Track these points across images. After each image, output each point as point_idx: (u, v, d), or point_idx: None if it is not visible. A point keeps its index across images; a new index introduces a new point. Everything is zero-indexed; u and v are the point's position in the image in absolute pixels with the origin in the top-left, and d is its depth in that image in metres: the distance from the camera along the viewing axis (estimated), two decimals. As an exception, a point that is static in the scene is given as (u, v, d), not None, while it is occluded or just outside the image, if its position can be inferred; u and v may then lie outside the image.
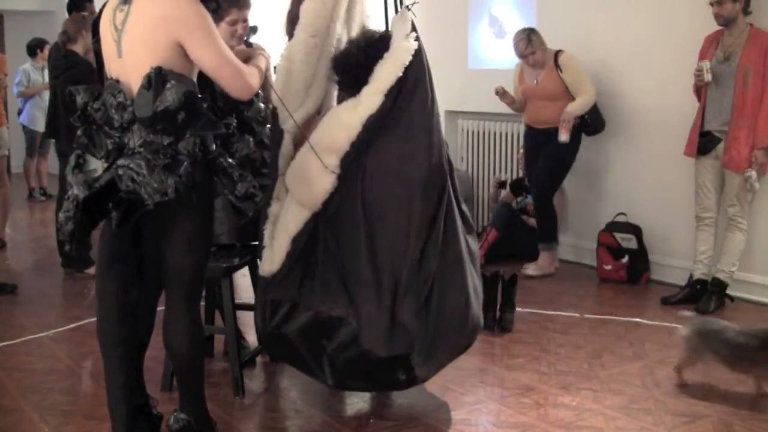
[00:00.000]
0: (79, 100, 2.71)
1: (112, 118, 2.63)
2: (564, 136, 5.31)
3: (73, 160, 2.71)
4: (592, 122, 5.44)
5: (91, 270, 5.66)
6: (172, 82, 2.54)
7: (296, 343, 3.14)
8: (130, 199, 2.58)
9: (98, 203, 2.64)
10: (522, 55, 5.49)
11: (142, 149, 2.57)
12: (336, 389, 3.48)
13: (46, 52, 7.95)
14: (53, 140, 6.06)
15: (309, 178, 3.08)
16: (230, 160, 2.73)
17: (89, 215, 2.67)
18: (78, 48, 5.59)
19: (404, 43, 3.11)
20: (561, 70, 5.39)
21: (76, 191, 2.63)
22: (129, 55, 2.65)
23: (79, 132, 2.73)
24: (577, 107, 5.31)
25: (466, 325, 3.16)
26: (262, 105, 3.01)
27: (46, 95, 7.09)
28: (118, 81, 2.68)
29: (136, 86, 2.60)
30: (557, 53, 5.42)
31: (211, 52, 2.61)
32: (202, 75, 2.76)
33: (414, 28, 3.16)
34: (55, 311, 4.99)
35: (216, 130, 2.67)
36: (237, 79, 2.67)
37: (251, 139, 2.87)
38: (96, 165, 2.68)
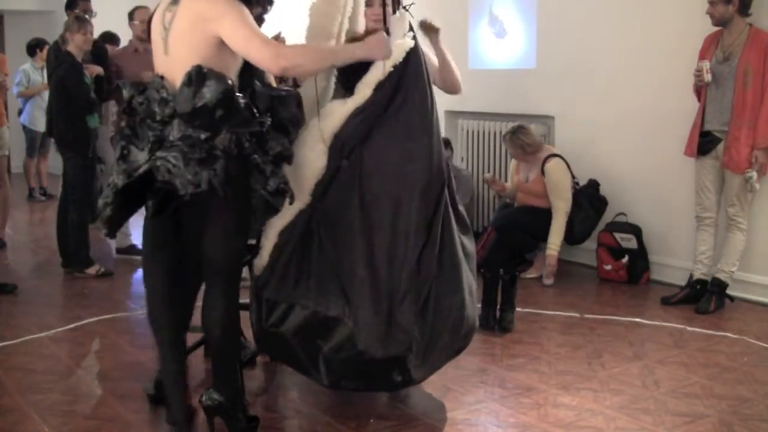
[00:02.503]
0: (125, 93, 2.86)
1: (154, 112, 2.77)
2: (549, 281, 5.24)
3: (118, 151, 2.86)
4: (578, 233, 5.32)
5: (92, 270, 5.67)
6: (212, 79, 2.69)
7: (292, 343, 3.15)
8: (166, 190, 2.71)
9: (137, 192, 2.79)
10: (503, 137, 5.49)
11: (180, 142, 2.69)
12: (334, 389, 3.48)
13: (45, 52, 7.97)
14: (53, 139, 6.08)
15: (303, 160, 3.09)
16: (264, 157, 2.83)
17: (128, 203, 2.82)
18: (72, 48, 5.60)
19: (399, 41, 3.12)
20: (544, 175, 5.30)
21: (116, 179, 2.78)
22: (174, 52, 2.80)
23: (123, 123, 2.89)
24: (556, 246, 5.08)
25: (461, 327, 3.16)
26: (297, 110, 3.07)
27: (47, 95, 7.10)
28: (162, 77, 2.83)
29: (179, 82, 2.74)
30: (547, 159, 5.27)
31: (238, 31, 2.72)
32: (244, 75, 2.90)
33: (411, 29, 3.17)
34: (55, 311, 4.99)
35: (251, 127, 2.78)
36: (265, 49, 2.73)
37: (286, 139, 2.95)
38: (138, 156, 2.81)
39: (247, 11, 2.78)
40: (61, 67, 5.58)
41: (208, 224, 2.88)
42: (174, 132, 2.73)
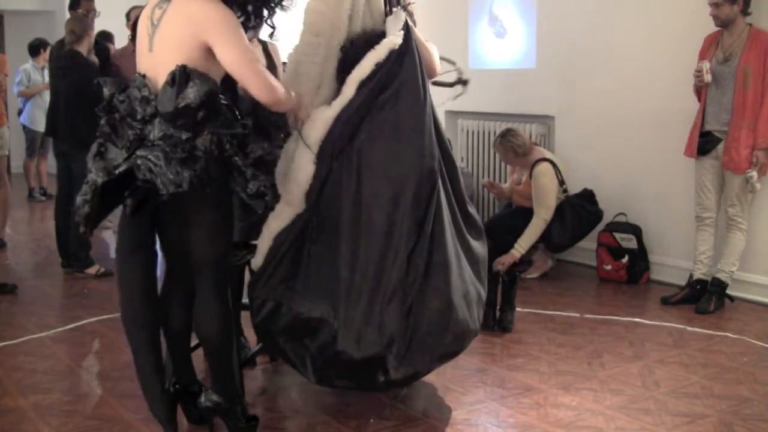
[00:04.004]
0: (106, 91, 2.84)
1: (136, 110, 2.75)
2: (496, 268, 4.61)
3: (95, 148, 2.83)
4: (555, 242, 5.04)
5: (91, 270, 5.67)
6: (195, 80, 2.66)
7: (280, 341, 3.16)
8: (146, 188, 2.69)
9: (116, 190, 2.76)
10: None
11: (161, 142, 2.67)
12: (332, 388, 3.48)
13: (48, 52, 7.95)
14: (63, 140, 5.95)
15: (289, 174, 3.10)
16: (245, 160, 2.82)
17: (106, 201, 2.78)
18: (83, 48, 5.58)
19: (385, 39, 3.11)
20: (531, 179, 4.97)
21: (95, 176, 2.74)
22: (159, 50, 2.78)
23: (102, 121, 2.85)
24: (521, 248, 4.60)
25: (447, 330, 3.10)
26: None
27: (47, 95, 7.08)
28: (144, 76, 2.81)
29: (162, 81, 2.72)
30: (536, 162, 4.90)
31: (233, 52, 2.70)
32: (226, 78, 2.86)
33: (406, 28, 3.15)
34: (55, 311, 4.99)
35: (233, 129, 2.77)
36: (258, 79, 2.73)
37: (267, 143, 2.93)
38: (116, 154, 2.79)
39: (239, 26, 2.75)
40: (79, 68, 5.52)
41: (191, 225, 2.86)
42: (155, 131, 2.71)
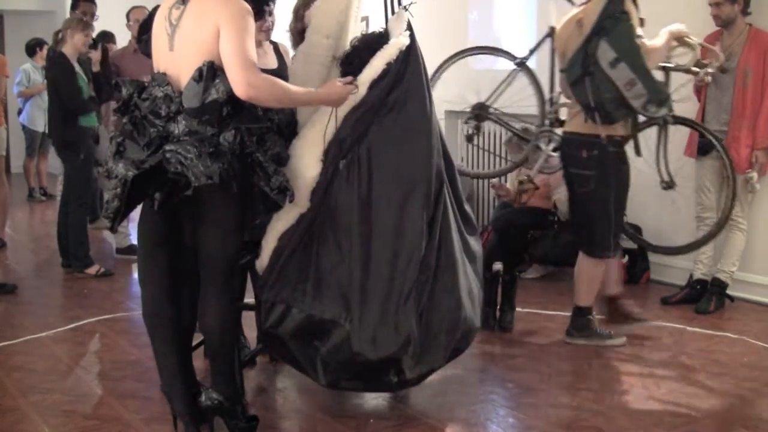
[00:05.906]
0: (125, 91, 2.86)
1: (159, 108, 2.77)
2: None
3: (114, 147, 2.84)
4: (541, 253, 4.93)
5: (91, 270, 5.67)
6: (222, 76, 2.70)
7: (289, 345, 3.15)
8: (174, 181, 2.71)
9: (138, 187, 2.77)
10: None
11: (187, 137, 2.70)
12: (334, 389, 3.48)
13: (45, 51, 7.95)
14: (51, 140, 6.05)
15: (296, 172, 3.10)
16: (265, 156, 2.84)
17: (129, 197, 2.79)
18: (67, 49, 5.59)
19: (393, 39, 3.12)
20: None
21: (124, 171, 2.75)
22: (180, 49, 2.79)
23: (124, 119, 2.88)
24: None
25: (457, 328, 3.13)
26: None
27: (46, 95, 7.10)
28: (165, 74, 2.82)
29: (184, 78, 2.75)
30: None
31: (230, 41, 2.71)
32: None
33: (410, 28, 3.16)
34: (55, 311, 4.98)
35: (258, 123, 2.80)
36: (241, 72, 2.70)
37: (282, 139, 2.96)
38: (135, 152, 2.80)
39: (251, 24, 2.78)
40: (54, 68, 5.59)
41: (207, 222, 2.86)
42: (179, 127, 2.72)
